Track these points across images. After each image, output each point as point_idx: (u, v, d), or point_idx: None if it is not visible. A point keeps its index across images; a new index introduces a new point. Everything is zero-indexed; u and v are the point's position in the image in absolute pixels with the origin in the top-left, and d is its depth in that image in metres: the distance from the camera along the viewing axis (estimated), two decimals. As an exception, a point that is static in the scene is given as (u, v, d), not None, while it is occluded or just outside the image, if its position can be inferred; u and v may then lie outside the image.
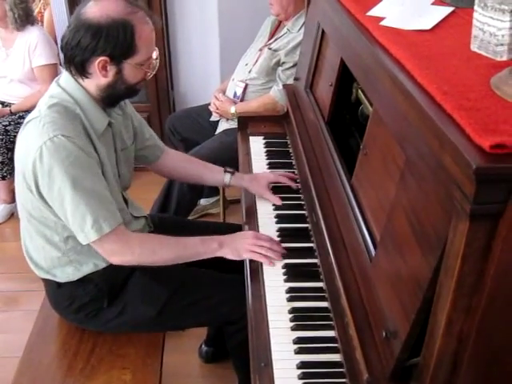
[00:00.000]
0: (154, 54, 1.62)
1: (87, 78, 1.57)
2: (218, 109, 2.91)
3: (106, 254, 1.60)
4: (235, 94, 2.87)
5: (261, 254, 1.60)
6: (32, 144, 1.50)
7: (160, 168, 2.01)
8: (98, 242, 1.55)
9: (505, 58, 1.16)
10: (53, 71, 3.29)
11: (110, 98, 1.62)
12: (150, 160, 1.97)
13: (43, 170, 1.49)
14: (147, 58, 1.59)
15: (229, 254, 1.63)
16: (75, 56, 1.53)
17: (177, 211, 2.74)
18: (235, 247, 1.63)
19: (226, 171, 1.97)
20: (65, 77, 1.61)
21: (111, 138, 1.69)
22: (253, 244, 1.61)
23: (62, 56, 1.61)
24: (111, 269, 1.69)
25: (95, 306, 1.72)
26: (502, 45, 1.15)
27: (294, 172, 2.04)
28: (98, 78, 1.56)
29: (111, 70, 1.55)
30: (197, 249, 1.64)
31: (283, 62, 2.72)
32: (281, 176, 1.96)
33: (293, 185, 1.94)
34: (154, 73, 1.65)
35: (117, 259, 1.61)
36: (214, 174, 1.99)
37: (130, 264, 1.64)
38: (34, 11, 3.41)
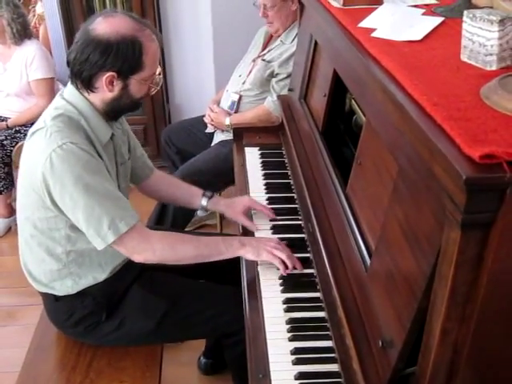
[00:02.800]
0: (158, 70, 1.65)
1: (93, 92, 1.59)
2: (212, 120, 2.92)
3: (128, 253, 1.61)
4: (230, 105, 2.88)
5: (280, 258, 1.60)
6: (40, 154, 1.51)
7: (146, 188, 2.02)
8: (118, 241, 1.55)
9: (494, 68, 1.17)
10: (49, 85, 3.30)
11: (113, 112, 1.65)
12: (140, 178, 1.98)
13: (54, 178, 1.50)
14: (152, 74, 1.63)
15: (249, 253, 1.63)
16: (83, 71, 1.55)
17: (174, 223, 2.74)
18: (257, 246, 1.63)
19: (203, 195, 1.98)
20: (69, 90, 1.63)
21: (113, 151, 1.71)
22: (274, 247, 1.62)
23: (63, 70, 1.63)
24: (109, 282, 1.70)
25: (93, 319, 1.72)
26: (491, 55, 1.17)
27: (289, 182, 2.05)
28: (104, 92, 1.59)
29: (117, 85, 1.58)
30: (218, 247, 1.64)
31: (277, 74, 2.73)
32: (257, 205, 1.91)
33: (270, 214, 1.88)
34: (158, 88, 1.69)
35: (139, 257, 1.60)
36: (193, 198, 1.99)
37: (152, 262, 1.63)
38: (30, 24, 3.44)
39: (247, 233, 1.83)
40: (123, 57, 1.53)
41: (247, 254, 1.63)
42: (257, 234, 1.79)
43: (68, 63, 1.59)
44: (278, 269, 1.61)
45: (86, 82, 1.58)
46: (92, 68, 1.54)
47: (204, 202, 1.97)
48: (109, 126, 1.66)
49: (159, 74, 1.67)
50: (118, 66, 1.53)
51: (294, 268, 1.62)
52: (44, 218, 1.61)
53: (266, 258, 1.61)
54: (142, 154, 1.96)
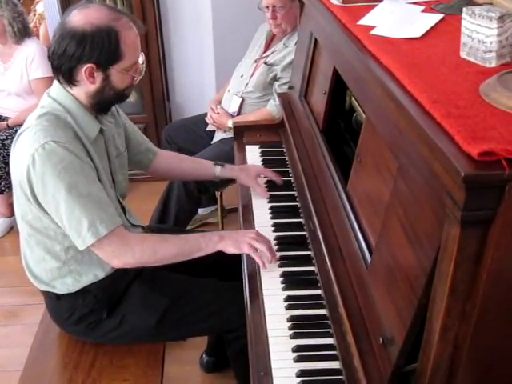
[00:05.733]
0: (140, 59, 1.64)
1: (75, 85, 1.59)
2: (215, 122, 2.92)
3: (107, 257, 1.61)
4: (232, 112, 2.87)
5: (258, 252, 1.60)
6: (25, 153, 1.52)
7: (155, 170, 2.04)
8: (97, 245, 1.55)
9: (493, 65, 1.17)
10: (49, 84, 3.26)
11: (100, 104, 1.64)
12: (145, 164, 2.00)
13: (37, 177, 1.51)
14: (133, 63, 1.61)
15: (229, 246, 1.62)
16: (62, 64, 1.56)
17: (176, 221, 2.75)
18: (236, 239, 1.62)
19: (215, 164, 2.03)
20: (55, 87, 1.64)
21: (104, 146, 1.71)
22: (253, 239, 1.62)
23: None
24: (110, 279, 1.71)
25: (95, 317, 1.73)
26: (490, 51, 1.17)
27: (290, 180, 2.05)
28: (86, 85, 1.58)
29: (98, 77, 1.57)
30: (198, 243, 1.63)
31: (279, 77, 2.73)
32: (269, 172, 2.04)
33: (278, 180, 2.03)
34: (141, 77, 1.67)
35: (118, 262, 1.60)
36: (205, 168, 2.05)
37: (132, 266, 1.63)
38: (29, 23, 3.44)
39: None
40: (100, 47, 1.52)
41: (227, 247, 1.62)
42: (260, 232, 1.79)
43: (48, 58, 1.60)
44: (279, 266, 1.62)
45: (66, 76, 1.58)
46: (70, 61, 1.53)
47: (217, 170, 2.03)
48: (97, 121, 1.66)
49: (142, 63, 1.65)
50: (96, 56, 1.53)
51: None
52: (37, 216, 1.61)
53: (247, 251, 1.61)
54: (143, 140, 1.98)
